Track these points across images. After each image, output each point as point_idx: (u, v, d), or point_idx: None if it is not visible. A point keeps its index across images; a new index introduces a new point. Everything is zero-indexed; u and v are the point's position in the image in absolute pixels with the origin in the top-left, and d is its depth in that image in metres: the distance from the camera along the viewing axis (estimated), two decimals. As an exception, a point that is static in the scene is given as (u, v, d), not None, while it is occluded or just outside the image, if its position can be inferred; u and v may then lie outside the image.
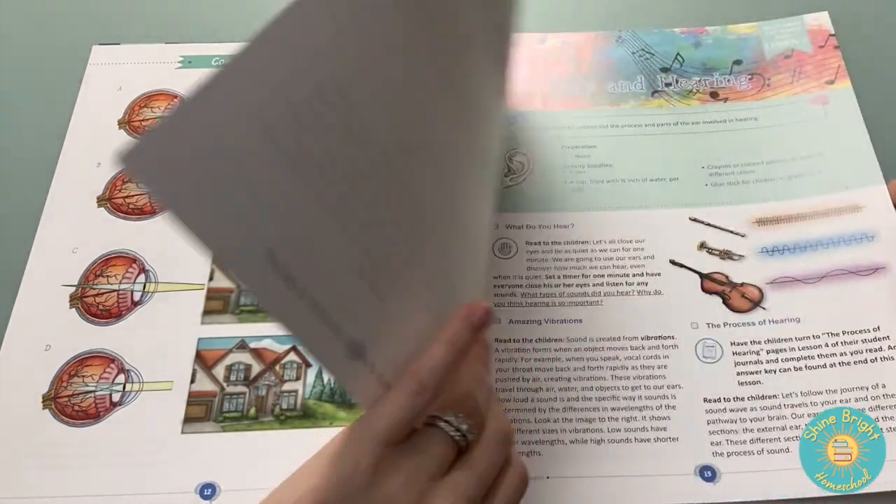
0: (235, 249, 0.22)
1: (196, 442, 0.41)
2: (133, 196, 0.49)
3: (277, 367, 0.43)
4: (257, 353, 0.44)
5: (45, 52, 0.56)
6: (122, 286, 0.45)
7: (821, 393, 0.41)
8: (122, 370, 0.43)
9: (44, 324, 0.44)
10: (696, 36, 0.56)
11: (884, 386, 0.41)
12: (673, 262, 0.46)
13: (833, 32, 0.54)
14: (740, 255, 0.46)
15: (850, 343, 0.42)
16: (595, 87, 0.54)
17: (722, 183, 0.49)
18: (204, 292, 0.45)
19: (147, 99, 0.53)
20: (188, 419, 0.41)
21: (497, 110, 0.40)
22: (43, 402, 0.42)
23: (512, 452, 0.32)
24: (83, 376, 0.43)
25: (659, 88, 0.54)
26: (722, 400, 0.41)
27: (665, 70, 0.54)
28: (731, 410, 0.41)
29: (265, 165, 0.22)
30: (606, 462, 0.40)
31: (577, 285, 0.45)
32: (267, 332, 0.44)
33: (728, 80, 0.54)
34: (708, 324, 0.44)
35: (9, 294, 0.45)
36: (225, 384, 0.42)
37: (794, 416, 0.41)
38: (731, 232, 0.47)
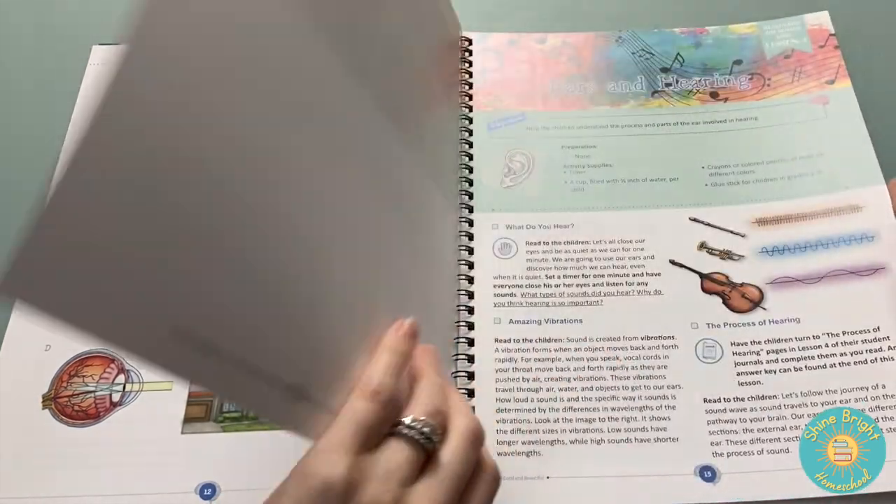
0: (137, 337, 0.21)
1: (196, 442, 0.41)
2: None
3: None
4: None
5: (45, 52, 0.56)
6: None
7: (821, 393, 0.41)
8: (122, 370, 0.43)
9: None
10: (696, 36, 0.56)
11: (884, 386, 0.41)
12: (673, 262, 0.46)
13: (833, 32, 0.54)
14: (740, 256, 0.46)
15: (850, 343, 0.42)
16: (595, 87, 0.54)
17: (722, 183, 0.49)
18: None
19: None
20: (188, 419, 0.41)
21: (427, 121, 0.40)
22: (43, 402, 0.42)
23: (484, 452, 0.33)
24: (83, 376, 0.43)
25: (659, 88, 0.54)
26: (722, 400, 0.41)
27: (665, 70, 0.54)
28: (731, 410, 0.41)
29: (138, 251, 0.21)
30: (606, 462, 0.40)
31: (577, 285, 0.45)
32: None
33: (728, 80, 0.54)
34: (708, 324, 0.44)
35: (9, 294, 0.45)
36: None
37: (794, 416, 0.41)
38: (731, 232, 0.47)
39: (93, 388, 0.42)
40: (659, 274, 0.46)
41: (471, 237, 0.47)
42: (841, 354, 0.42)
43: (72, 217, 0.19)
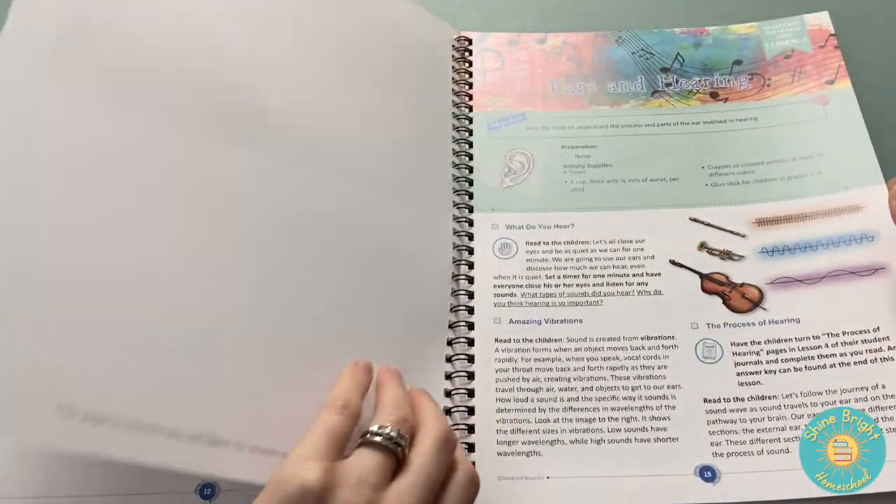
0: (21, 416, 0.21)
1: (196, 442, 0.41)
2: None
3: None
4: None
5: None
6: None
7: (821, 393, 0.41)
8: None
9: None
10: (697, 36, 0.56)
11: (884, 386, 0.41)
12: (673, 263, 0.46)
13: (833, 32, 0.54)
14: (740, 256, 0.46)
15: (850, 343, 0.42)
16: (595, 87, 0.54)
17: (722, 183, 0.49)
18: None
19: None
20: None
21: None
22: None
23: (459, 454, 0.34)
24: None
25: (659, 88, 0.54)
26: (722, 400, 0.41)
27: (665, 70, 0.54)
28: (731, 411, 0.41)
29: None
30: (606, 462, 0.40)
31: (577, 285, 0.45)
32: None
33: (728, 80, 0.54)
34: (708, 324, 0.44)
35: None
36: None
37: (794, 416, 0.41)
38: (732, 232, 0.47)
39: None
40: (659, 274, 0.46)
41: (471, 237, 0.47)
42: (841, 354, 0.42)
43: None
